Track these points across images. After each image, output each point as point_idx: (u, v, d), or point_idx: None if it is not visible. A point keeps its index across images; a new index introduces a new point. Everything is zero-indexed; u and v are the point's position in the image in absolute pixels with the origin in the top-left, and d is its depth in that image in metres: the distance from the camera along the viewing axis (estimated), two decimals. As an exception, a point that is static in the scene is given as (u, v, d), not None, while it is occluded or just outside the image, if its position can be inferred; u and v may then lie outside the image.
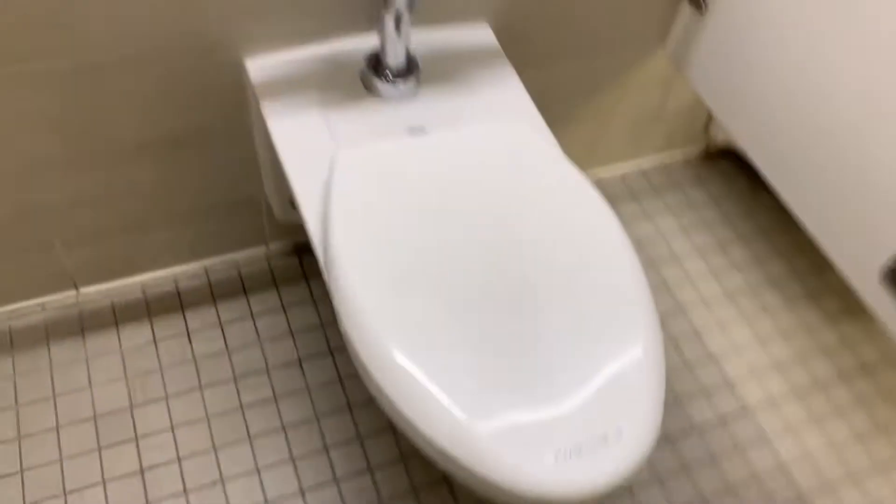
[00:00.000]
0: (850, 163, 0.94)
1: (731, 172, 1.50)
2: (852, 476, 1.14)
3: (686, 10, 1.14)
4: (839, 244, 0.98)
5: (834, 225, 0.98)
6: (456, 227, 0.81)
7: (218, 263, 1.24)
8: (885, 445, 1.18)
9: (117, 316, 1.17)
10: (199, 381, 1.12)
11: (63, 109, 0.92)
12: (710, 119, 1.44)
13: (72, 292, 1.17)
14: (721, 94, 1.12)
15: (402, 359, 0.71)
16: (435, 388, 0.70)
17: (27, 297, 1.15)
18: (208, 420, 1.08)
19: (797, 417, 1.19)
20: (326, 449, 1.07)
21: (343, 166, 0.84)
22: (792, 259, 1.38)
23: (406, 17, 0.88)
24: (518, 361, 0.72)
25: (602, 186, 1.43)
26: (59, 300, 1.17)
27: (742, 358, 1.24)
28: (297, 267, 1.26)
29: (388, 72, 0.94)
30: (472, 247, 0.80)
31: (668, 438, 1.15)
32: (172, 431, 1.07)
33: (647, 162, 1.48)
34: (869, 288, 0.95)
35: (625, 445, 0.68)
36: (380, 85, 0.94)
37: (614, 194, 1.42)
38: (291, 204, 1.13)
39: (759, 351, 1.25)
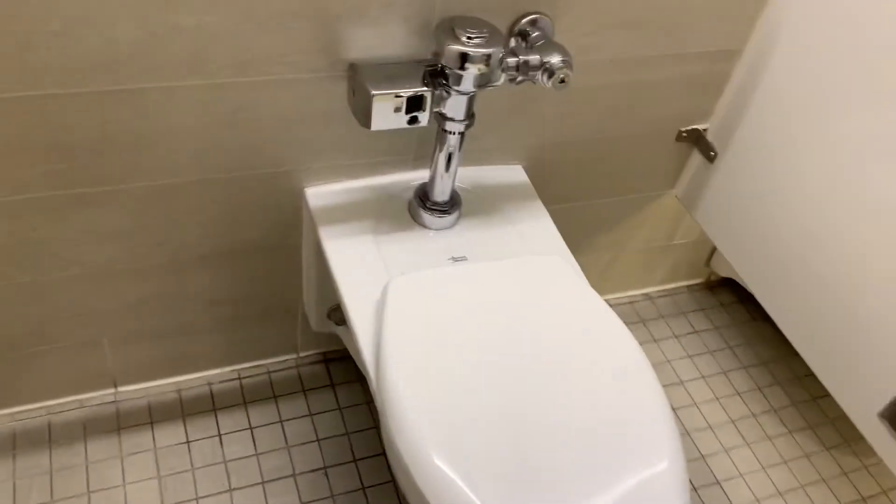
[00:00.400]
0: (845, 308, 1.03)
1: (730, 302, 1.60)
2: None
3: (696, 159, 1.27)
4: (839, 381, 1.07)
5: (833, 363, 1.07)
6: (494, 348, 0.89)
7: (250, 368, 1.30)
8: (885, 577, 1.22)
9: (153, 416, 1.21)
10: (229, 483, 1.16)
11: (133, 226, 1.01)
12: (712, 252, 1.55)
13: (111, 390, 1.23)
14: (726, 233, 1.23)
15: (444, 465, 0.77)
16: (469, 490, 0.75)
17: (68, 394, 1.20)
18: (236, 523, 1.12)
19: (799, 545, 1.24)
20: (349, 557, 1.11)
21: (396, 291, 0.92)
22: (790, 390, 1.46)
23: (456, 157, 0.99)
24: (548, 474, 0.78)
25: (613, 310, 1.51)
26: (97, 397, 1.22)
27: (746, 484, 1.30)
28: (325, 375, 1.32)
29: (434, 205, 1.04)
30: (508, 366, 0.87)
31: (676, 561, 1.18)
32: (201, 533, 1.10)
33: (654, 289, 1.58)
34: (868, 424, 1.02)
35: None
36: (426, 216, 1.04)
37: (624, 317, 1.51)
38: (328, 316, 1.21)
39: (763, 477, 1.31)
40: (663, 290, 1.59)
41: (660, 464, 0.80)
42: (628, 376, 0.88)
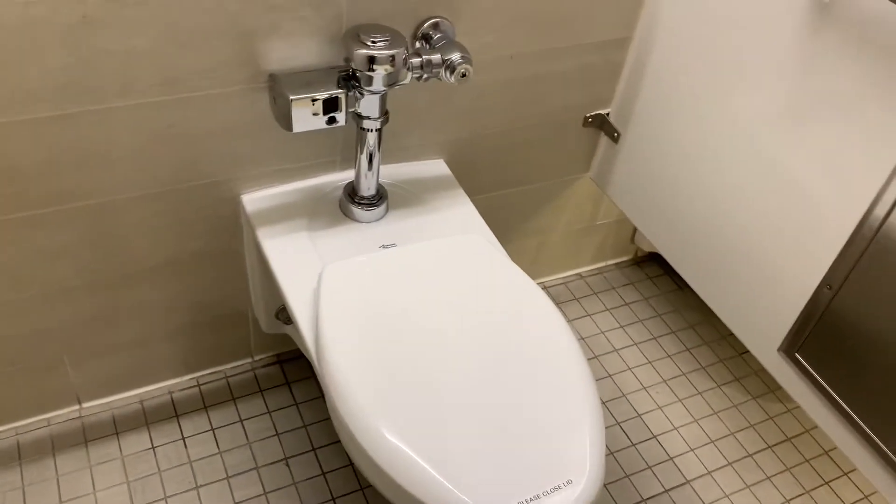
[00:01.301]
0: (747, 260, 1.14)
1: (656, 275, 1.71)
2: (785, 536, 1.29)
3: (604, 141, 1.38)
4: (745, 326, 1.18)
5: (740, 311, 1.18)
6: (424, 322, 0.98)
7: (208, 375, 1.37)
8: (811, 506, 1.33)
9: (117, 427, 1.28)
10: (195, 481, 1.22)
11: (82, 243, 1.08)
12: (635, 230, 1.67)
13: (75, 407, 1.28)
14: (637, 206, 1.35)
15: (391, 435, 0.85)
16: (420, 457, 0.84)
17: (34, 414, 1.26)
18: (205, 517, 1.18)
19: (734, 486, 1.34)
20: (314, 537, 1.18)
21: (329, 277, 1.01)
22: (716, 348, 1.57)
23: (376, 156, 1.08)
24: (487, 432, 0.87)
25: (546, 290, 1.62)
26: (63, 415, 1.28)
27: (680, 435, 1.40)
28: (280, 375, 1.39)
29: (361, 199, 1.13)
30: (439, 338, 0.96)
31: (620, 511, 1.28)
32: (172, 529, 1.17)
33: (584, 269, 1.69)
34: (773, 361, 1.13)
35: (573, 490, 0.83)
36: (356, 210, 1.13)
37: (558, 296, 1.61)
38: (276, 316, 1.28)
39: (696, 428, 1.42)
40: (593, 269, 1.70)
41: (580, 418, 0.89)
42: (550, 343, 0.98)
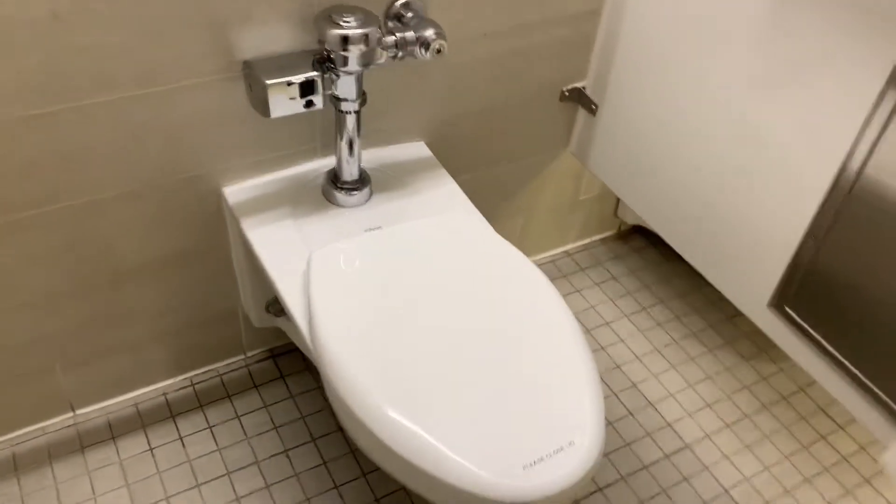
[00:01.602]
0: (729, 221, 1.15)
1: (642, 247, 1.72)
2: (788, 492, 1.30)
3: (582, 115, 1.39)
4: (734, 286, 1.19)
5: (727, 271, 1.19)
6: (416, 299, 0.98)
7: (202, 374, 1.36)
8: (810, 460, 1.34)
9: (113, 431, 1.27)
10: (196, 479, 1.21)
11: (66, 246, 1.07)
12: (618, 203, 1.68)
13: (69, 414, 1.27)
14: (619, 176, 1.35)
15: (393, 412, 0.85)
16: (423, 430, 0.84)
17: (28, 424, 1.25)
18: (208, 514, 1.18)
19: (733, 447, 1.35)
20: (320, 526, 1.18)
21: (318, 262, 1.01)
22: (705, 314, 1.58)
23: (357, 141, 1.08)
24: (487, 401, 0.88)
25: (535, 271, 1.62)
26: (57, 423, 1.27)
27: (676, 401, 1.41)
28: (274, 369, 1.39)
29: (344, 184, 1.13)
30: (431, 313, 0.96)
31: (623, 479, 1.29)
32: (176, 528, 1.16)
33: (570, 246, 1.70)
34: (763, 317, 1.15)
35: (576, 451, 0.84)
36: (339, 196, 1.13)
37: (546, 274, 1.61)
38: (267, 310, 1.28)
39: (691, 394, 1.43)
40: (579, 246, 1.70)
41: (579, 383, 0.90)
42: (544, 314, 0.98)
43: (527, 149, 1.41)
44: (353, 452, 1.28)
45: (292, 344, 1.42)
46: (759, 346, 1.53)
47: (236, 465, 1.24)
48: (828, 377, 1.06)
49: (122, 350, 1.24)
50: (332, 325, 0.94)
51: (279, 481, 1.22)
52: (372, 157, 1.22)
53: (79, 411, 1.28)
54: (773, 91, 1.02)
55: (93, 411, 1.29)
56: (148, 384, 1.32)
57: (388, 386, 0.88)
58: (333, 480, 1.24)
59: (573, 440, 0.85)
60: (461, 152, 1.33)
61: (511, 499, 0.81)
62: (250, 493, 1.21)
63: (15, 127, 0.92)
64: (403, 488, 1.24)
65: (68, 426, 1.27)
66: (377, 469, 1.26)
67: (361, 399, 0.87)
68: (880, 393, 0.99)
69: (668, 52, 1.16)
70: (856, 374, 1.01)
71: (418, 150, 1.26)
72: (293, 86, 0.97)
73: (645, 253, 1.71)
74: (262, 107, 0.98)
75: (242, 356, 1.39)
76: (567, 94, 1.36)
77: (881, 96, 0.88)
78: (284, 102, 0.98)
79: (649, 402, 1.41)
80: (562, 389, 0.89)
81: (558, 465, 0.82)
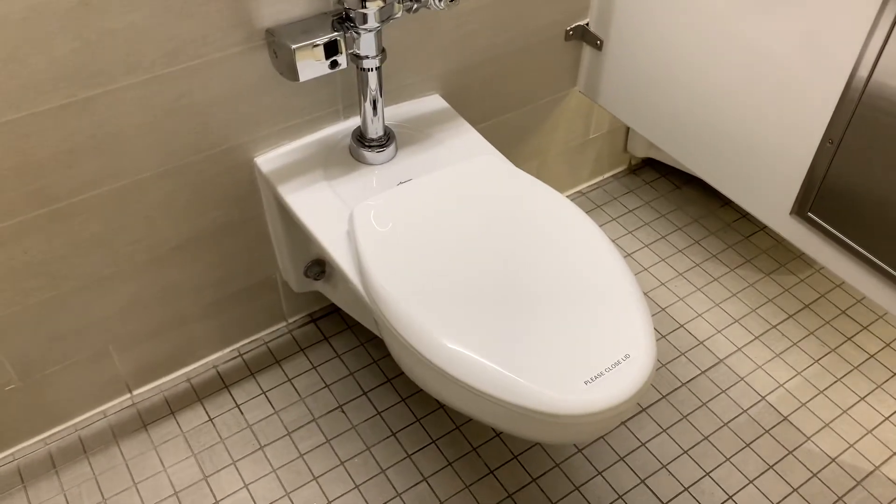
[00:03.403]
0: (742, 138, 1.19)
1: (653, 179, 1.76)
2: (822, 392, 1.35)
3: (588, 51, 1.41)
4: (753, 199, 1.23)
5: (745, 185, 1.23)
6: (463, 238, 1.01)
7: (248, 344, 1.40)
8: (839, 361, 1.40)
9: (171, 407, 1.31)
10: (258, 442, 1.26)
11: (109, 229, 1.10)
12: (626, 138, 1.71)
13: (127, 395, 1.32)
14: (630, 107, 1.39)
15: (453, 343, 0.90)
16: (484, 358, 0.88)
17: (89, 408, 1.29)
18: (275, 472, 1.23)
19: (764, 357, 1.41)
20: (384, 471, 1.23)
21: (360, 215, 1.04)
22: (724, 236, 1.63)
23: (380, 98, 1.11)
24: (541, 325, 0.92)
25: (553, 213, 1.66)
26: (117, 404, 1.31)
27: (705, 321, 1.46)
28: (316, 332, 1.43)
29: (371, 142, 1.16)
30: (480, 250, 1.00)
31: (664, 398, 1.34)
32: (247, 489, 1.21)
33: (584, 185, 1.73)
34: (786, 226, 1.19)
35: (633, 363, 0.88)
36: (367, 154, 1.16)
37: (565, 217, 1.66)
38: (306, 274, 1.32)
39: (719, 312, 1.48)
40: (593, 185, 1.74)
41: (628, 303, 0.94)
42: (586, 244, 1.02)
43: (536, 91, 1.44)
44: (405, 401, 1.33)
45: (331, 306, 1.46)
46: (778, 260, 1.58)
47: (295, 424, 1.29)
48: (856, 276, 1.11)
49: (171, 327, 1.28)
50: (384, 271, 0.97)
51: (338, 435, 1.27)
52: (392, 113, 1.25)
53: (135, 391, 1.32)
54: (774, 9, 1.05)
55: (148, 390, 1.33)
56: (198, 359, 1.37)
57: (444, 319, 0.92)
58: (390, 428, 1.29)
59: (629, 353, 0.89)
60: (475, 101, 1.36)
61: (577, 412, 0.85)
62: (312, 450, 1.26)
63: (53, 117, 0.95)
64: (458, 428, 1.29)
65: (127, 406, 1.31)
66: (431, 413, 1.31)
67: (421, 335, 0.91)
68: (909, 281, 1.03)
69: (669, -22, 1.19)
70: (884, 269, 1.06)
71: (435, 102, 1.28)
72: (318, 47, 1.00)
73: (657, 184, 1.75)
74: (290, 71, 1.01)
75: (284, 323, 1.44)
76: (571, 32, 1.38)
77: (883, 5, 0.91)
78: (311, 65, 1.01)
79: (679, 323, 1.46)
80: (611, 307, 0.94)
81: (618, 378, 0.87)
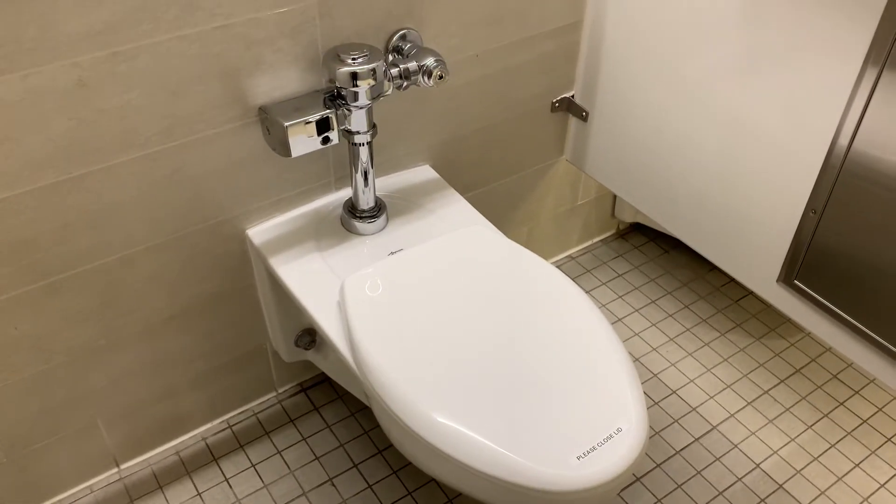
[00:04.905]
0: (727, 205, 1.21)
1: (642, 243, 1.78)
2: (816, 459, 1.34)
3: (574, 122, 1.45)
4: (741, 268, 1.24)
5: (731, 253, 1.25)
6: (451, 310, 1.02)
7: (237, 415, 1.39)
8: (832, 427, 1.39)
9: (160, 481, 1.29)
10: (248, 517, 1.24)
11: (101, 302, 1.10)
12: (614, 203, 1.74)
13: (114, 469, 1.29)
14: (616, 176, 1.41)
15: (443, 417, 0.89)
16: (474, 432, 0.88)
17: (75, 483, 1.27)
18: (264, 549, 1.20)
19: (757, 423, 1.40)
20: (375, 547, 1.21)
21: (351, 287, 1.05)
22: (713, 300, 1.64)
23: (371, 171, 1.13)
24: (530, 399, 0.92)
25: (544, 278, 1.67)
26: (104, 479, 1.29)
27: (697, 386, 1.46)
28: (307, 402, 1.42)
29: (362, 213, 1.17)
30: (468, 323, 1.00)
31: (658, 466, 1.33)
32: (235, 567, 1.18)
33: (573, 250, 1.75)
34: (774, 294, 1.20)
35: (625, 436, 0.88)
36: (358, 224, 1.17)
37: (555, 282, 1.67)
38: (296, 344, 1.31)
39: (711, 377, 1.48)
40: (582, 249, 1.76)
41: (619, 377, 0.94)
42: (574, 314, 1.03)
43: (524, 161, 1.47)
44: (396, 473, 1.31)
45: (321, 375, 1.46)
46: (767, 324, 1.58)
47: (284, 499, 1.27)
48: (843, 343, 1.12)
49: (160, 399, 1.27)
50: (374, 343, 0.98)
51: (329, 509, 1.25)
52: (383, 184, 1.27)
53: (123, 465, 1.30)
54: (753, 81, 1.08)
55: (136, 464, 1.31)
56: (187, 431, 1.35)
57: (434, 393, 0.92)
58: (381, 501, 1.27)
59: (620, 426, 0.89)
60: (464, 171, 1.38)
61: (570, 488, 0.85)
62: (302, 524, 1.23)
63: (48, 193, 0.96)
64: (450, 501, 1.27)
65: (114, 481, 1.29)
66: (423, 485, 1.29)
67: (410, 408, 0.91)
68: (896, 349, 1.04)
69: (650, 54, 1.23)
70: (871, 336, 1.07)
71: (425, 172, 1.31)
72: (310, 124, 1.02)
73: (645, 248, 1.77)
74: (283, 147, 1.03)
75: (274, 393, 1.43)
76: (557, 104, 1.42)
77: (860, 75, 0.95)
78: (303, 141, 1.03)
79: (671, 389, 1.46)
80: (602, 380, 0.94)
81: (610, 452, 0.87)
